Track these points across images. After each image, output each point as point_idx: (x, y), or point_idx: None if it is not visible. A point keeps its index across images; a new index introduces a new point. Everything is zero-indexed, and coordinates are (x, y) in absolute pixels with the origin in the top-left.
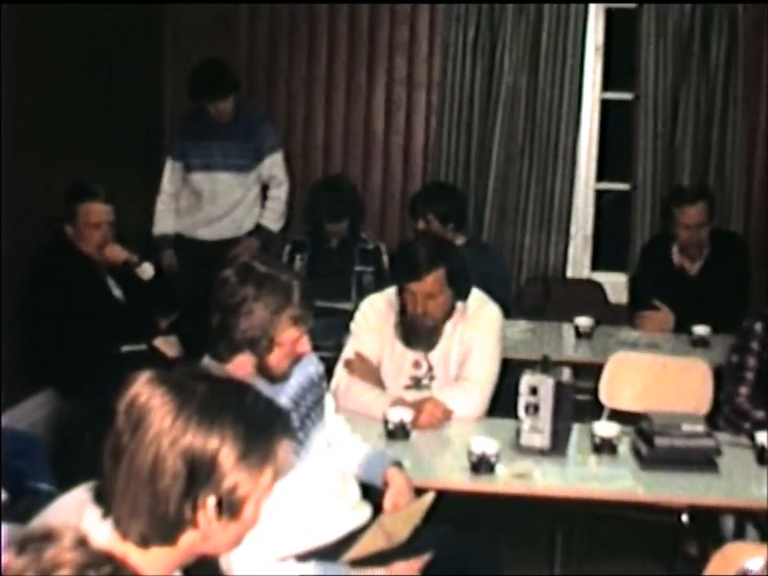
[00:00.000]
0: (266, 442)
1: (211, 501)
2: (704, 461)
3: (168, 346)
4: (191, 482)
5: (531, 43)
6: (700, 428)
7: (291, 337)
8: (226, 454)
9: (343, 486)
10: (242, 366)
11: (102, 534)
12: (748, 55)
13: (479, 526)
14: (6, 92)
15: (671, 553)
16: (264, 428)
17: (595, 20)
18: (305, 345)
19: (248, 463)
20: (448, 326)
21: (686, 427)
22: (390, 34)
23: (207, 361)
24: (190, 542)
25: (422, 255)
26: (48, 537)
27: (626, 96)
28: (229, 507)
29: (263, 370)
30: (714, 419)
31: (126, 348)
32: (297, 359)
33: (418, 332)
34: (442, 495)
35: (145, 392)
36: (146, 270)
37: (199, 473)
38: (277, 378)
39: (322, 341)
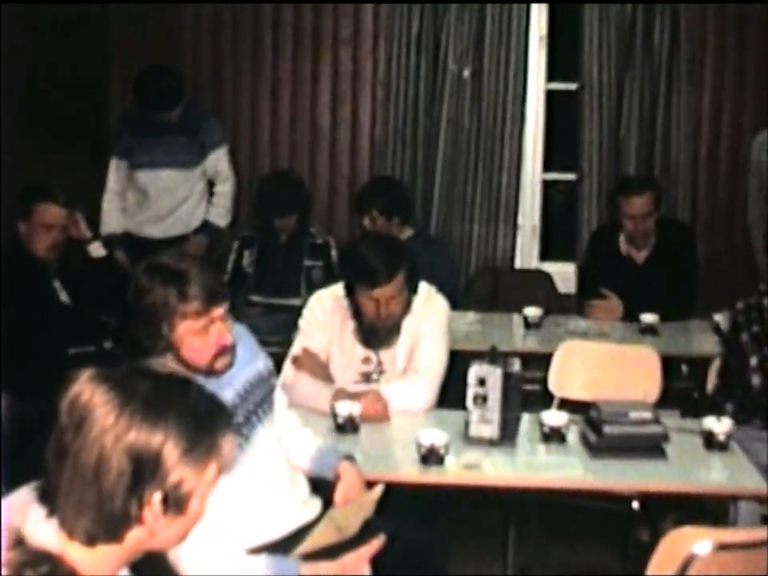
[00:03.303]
0: (209, 437)
1: (157, 497)
2: (652, 447)
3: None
4: (136, 479)
5: (475, 35)
6: (648, 415)
7: (188, 329)
8: (171, 450)
9: (291, 482)
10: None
11: (48, 533)
12: (690, 44)
13: (432, 519)
14: None
15: (623, 539)
16: (208, 423)
17: (538, 11)
18: (222, 336)
19: (192, 458)
20: (405, 322)
21: (634, 415)
22: (334, 28)
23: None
24: (136, 539)
25: (381, 261)
26: None
27: (571, 86)
28: (174, 502)
29: (186, 366)
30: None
31: (73, 350)
32: (221, 352)
33: (378, 333)
34: (393, 488)
35: (87, 390)
36: (97, 249)
37: (144, 469)
38: (206, 372)
39: (271, 337)
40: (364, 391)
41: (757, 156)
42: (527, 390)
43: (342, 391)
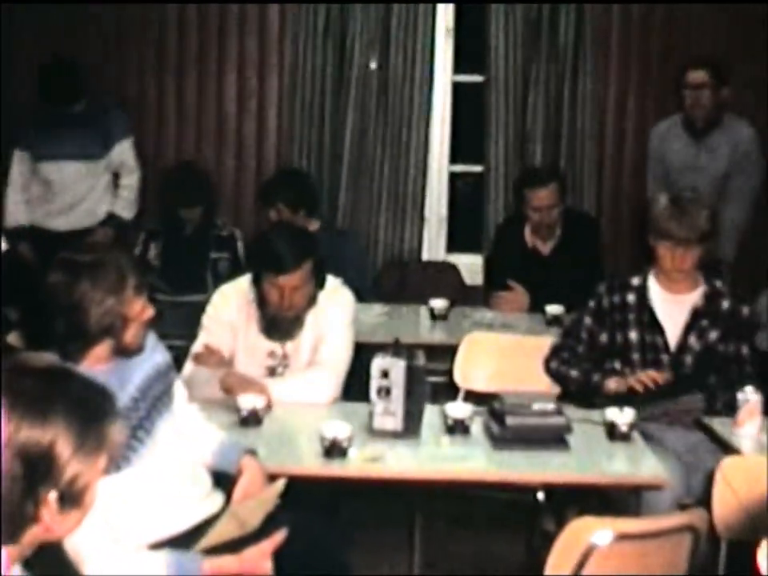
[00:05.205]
0: (98, 428)
1: (53, 495)
2: (555, 438)
3: (19, 341)
4: (30, 481)
5: (382, 26)
6: (550, 406)
7: (139, 307)
8: (62, 447)
9: (193, 476)
10: (97, 357)
11: None
12: (596, 36)
13: (335, 512)
14: None
15: (529, 529)
16: (95, 413)
17: (445, 3)
18: (150, 310)
19: (85, 452)
20: (310, 315)
21: (537, 406)
22: (240, 18)
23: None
24: (32, 536)
25: (288, 248)
26: None
27: (477, 79)
28: (71, 498)
29: (122, 350)
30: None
31: None
32: (147, 326)
33: (281, 324)
34: (296, 481)
35: None
36: None
37: (37, 470)
38: (135, 352)
39: (174, 330)
40: (251, 382)
41: (656, 144)
42: (433, 382)
43: (231, 374)
